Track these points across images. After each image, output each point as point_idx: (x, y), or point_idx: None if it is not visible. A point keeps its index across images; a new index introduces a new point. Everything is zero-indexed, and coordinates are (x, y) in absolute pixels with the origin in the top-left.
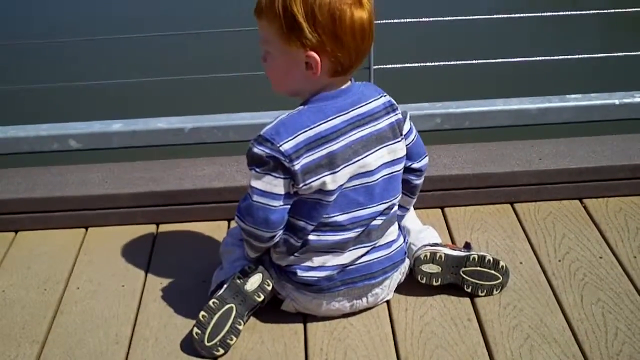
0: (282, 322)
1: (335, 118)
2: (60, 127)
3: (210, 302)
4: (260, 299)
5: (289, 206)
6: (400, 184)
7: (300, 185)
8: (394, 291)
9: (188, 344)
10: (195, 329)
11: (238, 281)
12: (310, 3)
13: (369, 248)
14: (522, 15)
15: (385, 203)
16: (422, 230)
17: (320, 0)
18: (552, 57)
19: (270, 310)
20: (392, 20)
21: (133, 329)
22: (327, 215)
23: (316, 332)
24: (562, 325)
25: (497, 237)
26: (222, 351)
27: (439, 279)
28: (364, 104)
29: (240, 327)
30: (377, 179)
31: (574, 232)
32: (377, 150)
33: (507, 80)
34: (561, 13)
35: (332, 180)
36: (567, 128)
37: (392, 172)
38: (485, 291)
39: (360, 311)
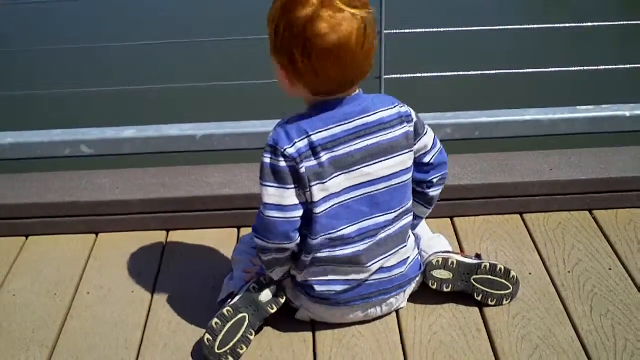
0: (291, 329)
1: (335, 127)
2: (72, 133)
3: (224, 310)
4: (272, 310)
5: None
6: (408, 193)
7: (307, 189)
8: None
9: (197, 351)
10: (207, 335)
11: (252, 291)
12: (277, 19)
13: (382, 260)
14: (533, 26)
15: (391, 212)
16: (433, 238)
17: (288, 21)
18: (563, 68)
19: (280, 317)
20: (402, 30)
21: (142, 335)
22: (333, 230)
23: (325, 340)
24: (571, 336)
25: (506, 247)
26: (231, 359)
27: (450, 285)
28: (371, 113)
29: (251, 337)
30: (381, 189)
31: (583, 243)
32: (385, 160)
33: (517, 90)
34: (572, 25)
35: (320, 189)
36: (578, 139)
37: (399, 182)
38: (495, 300)
39: (373, 319)
